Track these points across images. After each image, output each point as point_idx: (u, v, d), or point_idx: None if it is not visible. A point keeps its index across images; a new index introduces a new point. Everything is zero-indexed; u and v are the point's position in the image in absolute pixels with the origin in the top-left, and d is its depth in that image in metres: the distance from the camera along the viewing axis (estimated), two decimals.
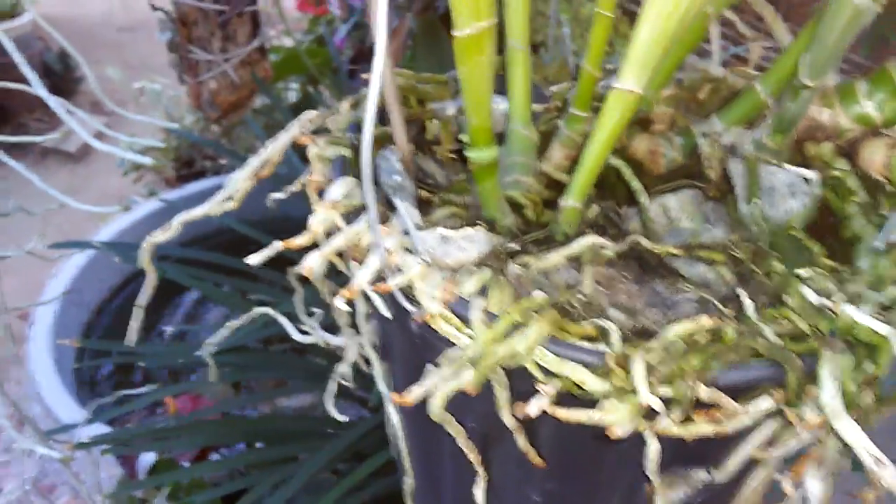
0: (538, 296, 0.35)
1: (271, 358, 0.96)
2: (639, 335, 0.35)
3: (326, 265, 0.40)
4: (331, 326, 0.50)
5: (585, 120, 0.44)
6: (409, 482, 0.54)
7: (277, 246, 0.41)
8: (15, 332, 1.29)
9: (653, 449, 0.34)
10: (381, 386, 0.49)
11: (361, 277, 0.37)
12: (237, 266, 0.97)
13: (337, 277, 0.44)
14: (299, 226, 0.39)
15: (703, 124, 0.46)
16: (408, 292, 0.37)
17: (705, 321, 0.34)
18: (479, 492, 0.41)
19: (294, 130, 0.46)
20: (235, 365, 0.89)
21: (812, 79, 0.39)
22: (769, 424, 0.34)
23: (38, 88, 0.71)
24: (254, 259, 0.41)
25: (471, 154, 0.40)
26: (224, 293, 0.99)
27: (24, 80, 0.71)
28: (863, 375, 0.32)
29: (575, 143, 0.45)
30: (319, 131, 0.47)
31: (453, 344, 0.35)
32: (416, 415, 0.39)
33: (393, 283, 0.36)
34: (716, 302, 0.38)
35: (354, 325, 0.48)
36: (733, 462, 0.36)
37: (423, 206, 0.43)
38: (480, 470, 0.41)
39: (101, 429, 1.03)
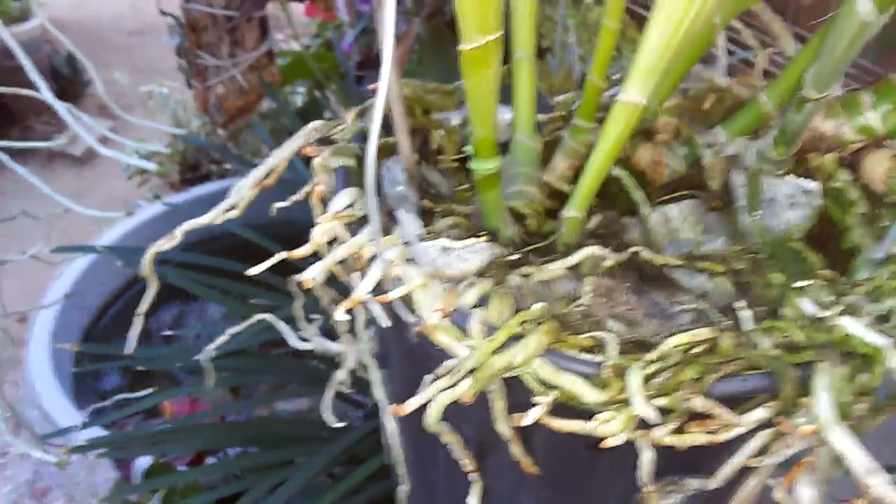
0: (537, 307, 0.35)
1: (270, 361, 0.96)
2: (637, 346, 0.35)
3: (327, 273, 0.40)
4: (330, 331, 0.50)
5: (589, 130, 0.44)
6: (403, 488, 0.54)
7: (280, 256, 0.41)
8: (14, 336, 1.29)
9: (646, 458, 0.34)
10: (379, 394, 0.49)
11: (362, 289, 0.37)
12: (239, 269, 0.97)
13: (338, 284, 0.44)
14: (303, 230, 0.39)
15: (707, 135, 0.46)
16: (408, 302, 0.37)
17: (703, 333, 0.34)
18: (473, 499, 0.41)
19: (299, 140, 0.46)
20: (234, 369, 0.89)
21: (817, 91, 0.39)
22: (763, 434, 0.34)
23: (44, 93, 0.72)
24: (255, 270, 0.41)
25: (475, 165, 0.40)
26: (225, 297, 0.99)
27: (31, 84, 0.72)
28: (857, 386, 0.32)
29: (578, 153, 0.45)
30: (324, 141, 0.47)
31: (451, 354, 0.35)
32: (412, 422, 0.39)
33: (393, 295, 0.36)
34: (714, 313, 0.38)
35: (353, 332, 0.49)
36: (726, 470, 0.36)
37: (426, 216, 0.43)
38: (475, 477, 0.41)
39: (97, 432, 1.03)
